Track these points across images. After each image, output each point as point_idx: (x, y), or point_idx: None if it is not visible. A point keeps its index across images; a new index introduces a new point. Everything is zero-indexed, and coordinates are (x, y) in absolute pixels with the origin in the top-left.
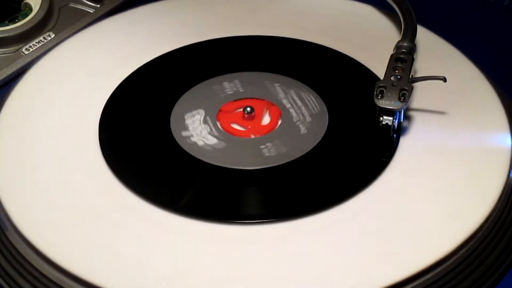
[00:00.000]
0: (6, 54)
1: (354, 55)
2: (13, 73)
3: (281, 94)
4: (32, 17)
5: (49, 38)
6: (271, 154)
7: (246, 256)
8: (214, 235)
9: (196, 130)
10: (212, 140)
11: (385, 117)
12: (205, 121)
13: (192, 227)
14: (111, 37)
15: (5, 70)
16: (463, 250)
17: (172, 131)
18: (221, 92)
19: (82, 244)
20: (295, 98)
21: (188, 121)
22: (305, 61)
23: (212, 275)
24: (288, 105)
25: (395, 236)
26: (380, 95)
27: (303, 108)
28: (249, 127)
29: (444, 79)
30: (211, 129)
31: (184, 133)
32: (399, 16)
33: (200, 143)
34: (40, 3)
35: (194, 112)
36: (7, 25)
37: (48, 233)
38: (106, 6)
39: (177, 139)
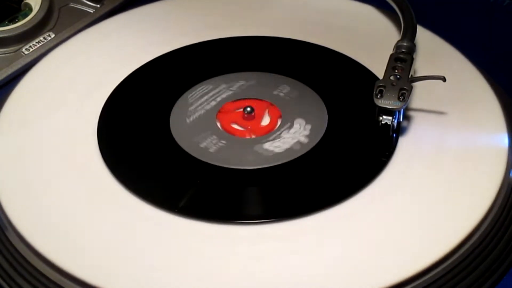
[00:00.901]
0: (6, 54)
1: (354, 55)
2: (13, 73)
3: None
4: (32, 17)
5: (49, 38)
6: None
7: (246, 256)
8: (214, 235)
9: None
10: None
11: (384, 117)
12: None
13: (191, 228)
14: (111, 37)
15: (5, 70)
16: (462, 250)
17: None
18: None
19: (81, 244)
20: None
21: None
22: (304, 61)
23: (212, 275)
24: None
25: (394, 236)
26: (379, 95)
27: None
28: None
29: (444, 79)
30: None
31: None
32: (399, 16)
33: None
34: (40, 3)
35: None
36: (7, 25)
37: (48, 233)
38: (106, 6)
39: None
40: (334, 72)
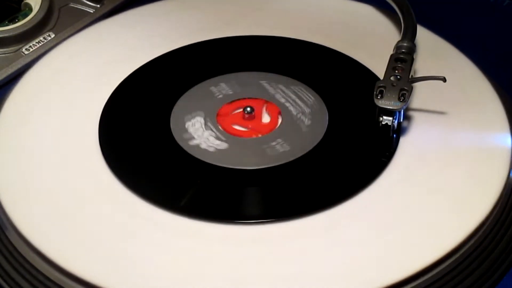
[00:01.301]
0: (6, 54)
1: (354, 55)
2: (13, 73)
3: (278, 93)
4: (32, 17)
5: (49, 38)
6: (274, 153)
7: (246, 256)
8: (215, 235)
9: (198, 133)
10: (215, 142)
11: (385, 117)
12: (206, 125)
13: (192, 227)
14: (111, 37)
15: (5, 70)
16: (462, 250)
17: (172, 131)
18: (219, 93)
19: (81, 244)
20: (290, 94)
21: (188, 125)
22: (304, 61)
23: (212, 274)
24: (283, 100)
25: (395, 236)
26: (379, 95)
27: (298, 102)
28: (251, 127)
29: (444, 79)
30: (213, 132)
31: (186, 136)
32: (399, 16)
33: (203, 146)
34: (40, 3)
35: (193, 115)
36: (7, 25)
37: (48, 233)
38: (106, 6)
39: (177, 139)
40: (335, 72)
